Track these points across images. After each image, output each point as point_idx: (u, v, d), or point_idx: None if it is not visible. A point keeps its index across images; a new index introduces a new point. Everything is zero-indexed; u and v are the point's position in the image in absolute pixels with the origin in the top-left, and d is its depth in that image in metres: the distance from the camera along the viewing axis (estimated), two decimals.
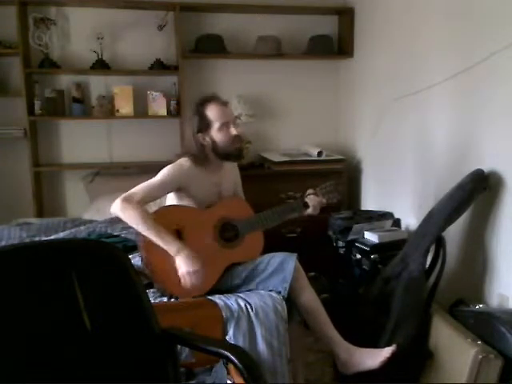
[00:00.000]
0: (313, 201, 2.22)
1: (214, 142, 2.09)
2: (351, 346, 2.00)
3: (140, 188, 1.97)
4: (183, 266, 1.91)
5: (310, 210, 2.22)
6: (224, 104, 2.13)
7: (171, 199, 2.14)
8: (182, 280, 1.92)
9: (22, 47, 3.13)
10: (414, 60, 2.76)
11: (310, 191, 2.28)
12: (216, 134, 2.08)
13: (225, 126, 2.08)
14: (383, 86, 3.12)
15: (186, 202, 2.09)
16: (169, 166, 2.06)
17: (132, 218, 1.91)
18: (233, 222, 2.12)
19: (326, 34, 3.60)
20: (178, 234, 2.00)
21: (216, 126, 2.07)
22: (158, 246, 1.92)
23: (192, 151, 2.10)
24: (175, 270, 1.93)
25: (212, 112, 2.08)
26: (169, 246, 1.91)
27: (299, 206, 2.24)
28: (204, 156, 2.10)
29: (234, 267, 2.07)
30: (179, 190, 2.07)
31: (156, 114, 3.39)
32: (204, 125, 2.08)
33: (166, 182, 2.03)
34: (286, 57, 3.57)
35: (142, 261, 2.04)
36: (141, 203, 1.93)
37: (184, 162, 2.09)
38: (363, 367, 1.95)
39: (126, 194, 1.95)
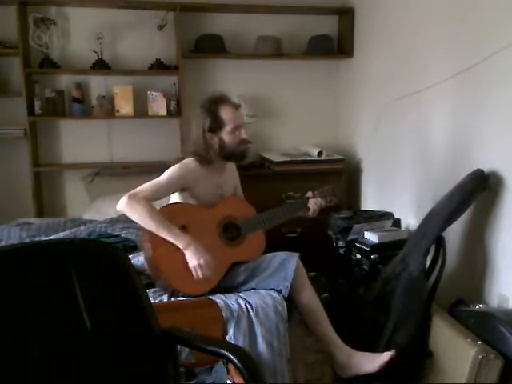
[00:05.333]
0: (312, 204, 2.26)
1: (222, 142, 2.10)
2: (350, 349, 1.99)
3: (146, 186, 1.98)
4: (194, 258, 1.92)
5: (310, 213, 2.27)
6: (237, 107, 2.14)
7: (174, 199, 2.14)
8: (194, 273, 1.93)
9: (22, 47, 3.13)
10: (414, 60, 2.76)
11: (309, 194, 2.31)
12: (226, 136, 2.09)
13: (237, 129, 2.10)
14: (383, 85, 3.12)
15: (189, 202, 2.10)
16: (175, 166, 2.07)
17: (139, 214, 1.91)
18: (235, 221, 2.13)
19: (326, 34, 3.59)
20: (184, 231, 2.00)
21: (228, 128, 2.09)
22: (164, 242, 1.92)
23: (197, 150, 2.10)
24: (182, 265, 1.93)
25: (226, 114, 2.09)
26: (178, 239, 1.93)
27: (300, 206, 2.26)
28: (209, 155, 2.11)
29: (236, 266, 2.08)
30: (184, 189, 2.08)
31: (156, 114, 3.39)
32: (216, 125, 2.08)
33: (172, 182, 2.04)
34: (286, 57, 3.57)
35: (145, 258, 2.03)
36: (147, 200, 1.94)
37: (190, 161, 2.10)
38: (361, 371, 1.95)
39: (132, 191, 1.95)
